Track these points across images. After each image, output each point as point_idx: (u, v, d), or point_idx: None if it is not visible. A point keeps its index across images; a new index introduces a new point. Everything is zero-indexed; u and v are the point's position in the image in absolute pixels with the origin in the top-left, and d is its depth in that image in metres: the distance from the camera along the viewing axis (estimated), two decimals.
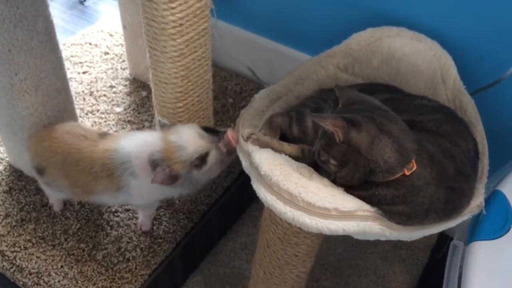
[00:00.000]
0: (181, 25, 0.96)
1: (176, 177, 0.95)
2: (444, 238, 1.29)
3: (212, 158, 0.95)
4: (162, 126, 1.00)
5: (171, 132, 0.97)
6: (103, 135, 1.04)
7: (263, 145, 0.87)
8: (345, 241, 1.34)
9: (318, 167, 0.85)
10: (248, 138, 0.88)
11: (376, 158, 0.75)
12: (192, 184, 0.99)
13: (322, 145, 0.80)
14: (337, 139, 0.76)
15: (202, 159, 0.95)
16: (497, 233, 0.93)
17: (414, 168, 0.77)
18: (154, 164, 0.94)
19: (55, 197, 1.16)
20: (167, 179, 0.94)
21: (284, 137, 0.95)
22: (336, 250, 1.32)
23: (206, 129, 0.97)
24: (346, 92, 0.85)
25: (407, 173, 0.76)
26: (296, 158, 0.86)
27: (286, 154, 0.86)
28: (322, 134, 0.80)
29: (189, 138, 0.95)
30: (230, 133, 0.92)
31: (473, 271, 0.88)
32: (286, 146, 0.88)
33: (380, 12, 1.18)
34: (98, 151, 0.99)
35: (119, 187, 0.99)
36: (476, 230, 0.94)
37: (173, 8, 0.92)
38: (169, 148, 0.94)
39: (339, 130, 0.75)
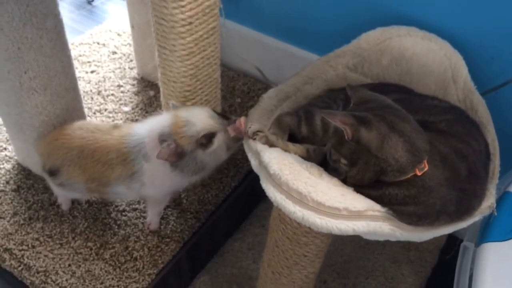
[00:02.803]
0: (190, 23, 0.96)
1: (181, 154, 0.95)
2: (453, 240, 1.28)
3: (218, 140, 0.95)
4: (175, 108, 1.01)
5: (183, 110, 0.98)
6: (117, 126, 1.06)
7: (269, 144, 0.87)
8: (353, 242, 1.33)
9: (327, 167, 0.84)
10: (254, 134, 0.87)
11: (386, 157, 0.75)
12: (197, 167, 0.98)
13: (333, 143, 0.80)
14: (346, 137, 0.75)
15: (208, 139, 0.95)
16: (508, 235, 0.92)
17: (426, 169, 0.76)
18: (162, 140, 0.95)
19: (66, 197, 1.16)
20: (172, 155, 0.94)
21: (292, 137, 0.95)
22: (344, 250, 1.32)
23: (220, 114, 0.98)
24: (358, 91, 0.84)
25: (419, 173, 0.75)
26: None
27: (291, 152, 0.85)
28: (333, 132, 0.80)
29: (199, 116, 0.95)
30: (242, 120, 0.93)
31: (484, 272, 0.87)
32: (291, 146, 0.88)
33: (390, 11, 1.18)
34: (113, 139, 1.01)
35: (132, 173, 1.00)
36: (487, 232, 0.93)
37: (182, 6, 0.92)
38: (178, 123, 0.95)
39: (348, 127, 0.74)
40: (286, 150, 0.86)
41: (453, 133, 0.85)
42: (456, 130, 0.86)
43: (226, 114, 0.99)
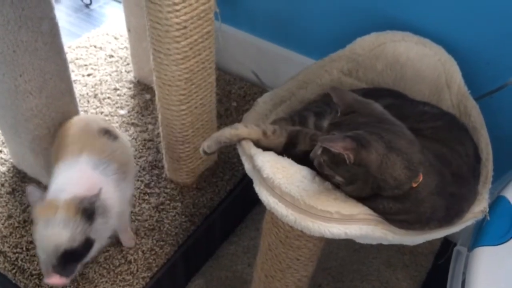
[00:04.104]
0: (185, 27, 0.96)
1: None
2: (447, 244, 1.28)
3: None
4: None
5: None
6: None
7: (238, 137, 0.88)
8: (348, 246, 1.33)
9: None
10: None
11: (385, 176, 0.73)
12: None
13: (327, 162, 0.77)
14: (348, 161, 0.73)
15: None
16: (501, 239, 0.92)
17: (421, 179, 0.75)
18: None
19: None
20: None
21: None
22: (339, 254, 1.32)
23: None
24: (345, 98, 0.81)
25: (414, 185, 0.75)
26: (257, 141, 0.86)
27: (243, 137, 0.87)
28: (323, 150, 0.77)
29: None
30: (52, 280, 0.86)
31: (477, 277, 0.88)
32: (241, 128, 0.87)
33: (385, 16, 1.18)
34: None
35: None
36: (479, 236, 0.94)
37: (177, 10, 0.93)
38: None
39: (350, 152, 0.72)
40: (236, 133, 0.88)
41: (437, 139, 0.84)
42: (441, 136, 0.85)
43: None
